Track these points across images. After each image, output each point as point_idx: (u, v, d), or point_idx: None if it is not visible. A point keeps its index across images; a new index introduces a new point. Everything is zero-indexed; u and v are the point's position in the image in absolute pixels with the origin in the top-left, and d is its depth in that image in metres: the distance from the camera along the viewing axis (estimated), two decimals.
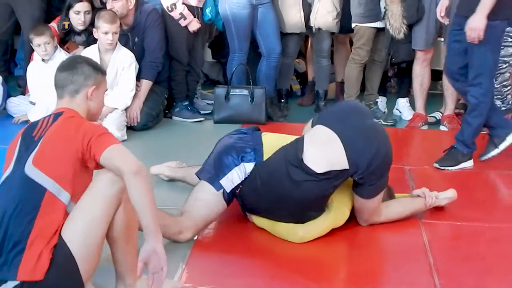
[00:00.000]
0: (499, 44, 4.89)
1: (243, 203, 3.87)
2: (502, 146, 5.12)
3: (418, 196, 4.10)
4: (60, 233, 2.81)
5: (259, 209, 3.83)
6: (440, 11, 5.07)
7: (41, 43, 5.78)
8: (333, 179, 3.66)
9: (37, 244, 2.77)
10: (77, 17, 5.97)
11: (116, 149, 2.85)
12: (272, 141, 3.89)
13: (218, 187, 3.73)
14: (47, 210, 2.81)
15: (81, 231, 2.82)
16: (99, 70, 3.14)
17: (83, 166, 2.89)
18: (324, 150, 3.65)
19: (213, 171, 3.77)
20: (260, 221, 3.87)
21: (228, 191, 3.74)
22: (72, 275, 2.81)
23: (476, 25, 4.61)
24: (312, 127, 3.92)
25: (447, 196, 4.23)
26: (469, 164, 5.07)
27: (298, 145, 3.72)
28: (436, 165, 5.06)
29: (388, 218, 3.97)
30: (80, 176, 2.88)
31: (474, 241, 3.90)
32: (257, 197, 3.77)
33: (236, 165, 3.76)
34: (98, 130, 2.91)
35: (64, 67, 3.11)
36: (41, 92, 5.69)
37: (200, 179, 3.82)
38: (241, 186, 3.77)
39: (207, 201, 3.72)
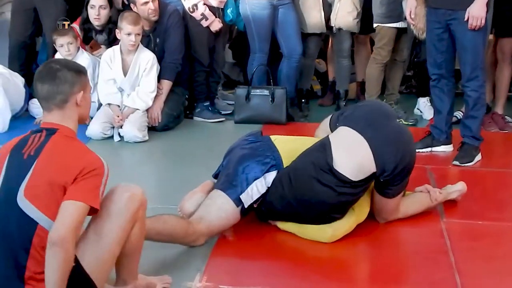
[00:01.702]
0: (487, 36, 5.13)
1: (267, 212, 3.85)
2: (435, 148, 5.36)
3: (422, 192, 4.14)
4: (76, 257, 2.73)
5: (287, 214, 3.80)
6: (410, 13, 5.15)
7: (64, 44, 5.85)
8: (364, 184, 3.70)
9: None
10: (93, 11, 6.03)
11: (71, 209, 2.64)
12: (286, 145, 3.89)
13: (238, 202, 3.70)
14: (41, 246, 2.68)
15: (98, 255, 2.79)
16: (81, 72, 2.90)
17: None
18: (352, 154, 3.67)
19: (233, 184, 3.73)
20: (285, 225, 3.86)
21: (246, 206, 3.72)
22: None
23: (478, 13, 4.77)
24: (332, 126, 3.93)
25: (457, 189, 4.27)
26: (479, 156, 5.16)
27: (326, 150, 3.70)
28: (456, 162, 5.09)
29: (404, 215, 4.00)
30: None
31: (496, 241, 3.88)
32: (283, 202, 3.75)
33: (257, 179, 3.73)
34: (90, 174, 2.72)
35: (45, 78, 2.83)
36: None
37: (221, 190, 3.77)
38: (261, 199, 3.76)
39: (226, 213, 3.70)
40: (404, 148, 3.75)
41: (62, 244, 2.60)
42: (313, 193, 3.67)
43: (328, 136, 3.83)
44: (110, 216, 2.81)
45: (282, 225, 3.87)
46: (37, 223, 2.69)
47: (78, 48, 5.96)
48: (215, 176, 3.98)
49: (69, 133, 2.85)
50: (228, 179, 3.76)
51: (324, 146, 3.74)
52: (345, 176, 3.63)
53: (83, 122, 3.01)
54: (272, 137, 3.96)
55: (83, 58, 5.94)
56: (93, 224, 2.82)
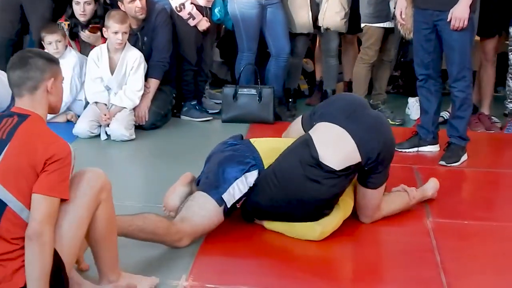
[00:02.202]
0: (474, 36, 5.17)
1: (253, 211, 3.86)
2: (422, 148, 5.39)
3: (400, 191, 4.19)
4: None
5: (274, 213, 3.81)
6: (400, 13, 5.17)
7: (52, 41, 5.85)
8: (350, 173, 3.73)
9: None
10: (77, 7, 6.04)
11: (44, 204, 2.72)
12: (265, 145, 3.90)
13: (220, 202, 3.69)
14: (8, 228, 2.74)
15: (66, 232, 2.81)
16: (52, 60, 2.96)
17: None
18: (338, 147, 3.71)
19: (215, 185, 3.72)
20: (273, 225, 3.86)
21: (229, 206, 3.72)
22: (59, 275, 2.81)
23: (461, 15, 4.81)
24: (306, 126, 3.96)
25: (430, 186, 4.33)
26: (466, 156, 5.18)
27: (309, 146, 3.72)
28: (443, 162, 5.11)
29: (386, 213, 4.03)
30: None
31: (482, 240, 3.90)
32: (272, 203, 3.76)
33: (237, 178, 3.73)
34: (59, 163, 2.76)
35: (16, 65, 2.89)
36: None
37: (202, 191, 3.76)
38: (245, 198, 3.76)
39: (209, 212, 3.68)
40: (385, 134, 3.84)
41: (38, 239, 2.68)
42: (303, 190, 3.68)
43: (308, 133, 3.84)
44: (74, 197, 2.84)
45: (269, 224, 3.87)
46: (6, 204, 2.74)
47: (66, 47, 5.95)
48: (197, 183, 3.96)
49: (40, 119, 2.89)
50: (209, 181, 3.76)
51: (306, 142, 3.75)
52: (332, 168, 3.66)
53: (54, 111, 3.03)
54: (251, 140, 3.97)
55: (71, 56, 5.94)
56: (62, 206, 2.83)
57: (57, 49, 5.85)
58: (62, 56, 5.86)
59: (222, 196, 3.69)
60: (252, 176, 3.75)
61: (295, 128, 4.12)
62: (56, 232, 2.78)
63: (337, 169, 3.66)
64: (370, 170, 3.79)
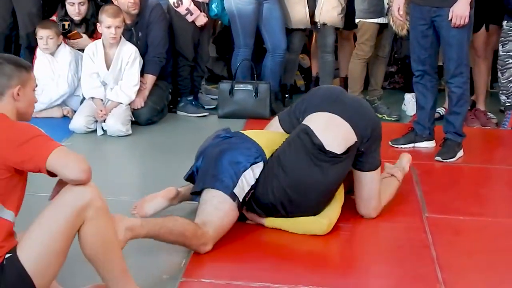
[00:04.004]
0: (471, 32, 5.19)
1: (258, 206, 3.80)
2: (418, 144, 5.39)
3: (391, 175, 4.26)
4: (15, 248, 2.71)
5: (279, 206, 3.76)
6: (398, 9, 5.17)
7: (43, 36, 5.86)
8: (350, 154, 3.80)
9: None
10: (72, 8, 6.03)
11: (54, 161, 2.69)
12: (262, 137, 3.87)
13: (234, 197, 3.62)
14: None
15: (37, 247, 2.72)
16: (22, 67, 2.90)
17: (15, 172, 2.75)
18: (334, 132, 3.78)
19: (222, 180, 3.63)
20: (274, 222, 3.82)
21: (241, 200, 3.65)
22: None
23: (462, 12, 4.83)
24: (286, 125, 4.00)
25: (405, 161, 4.43)
26: (462, 152, 5.18)
27: (309, 133, 3.75)
28: (439, 158, 5.11)
29: (385, 202, 4.07)
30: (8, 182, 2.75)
31: (478, 236, 3.91)
32: (279, 194, 3.72)
33: (246, 170, 3.66)
34: (26, 137, 2.73)
35: None
36: (45, 84, 5.80)
37: (211, 188, 3.66)
38: (253, 191, 3.71)
39: (226, 211, 3.60)
40: (371, 112, 4.03)
41: (87, 177, 2.71)
42: (309, 177, 3.70)
43: (303, 123, 3.85)
44: (54, 205, 2.77)
45: (270, 222, 3.83)
46: None
47: (59, 45, 5.94)
48: (187, 178, 3.93)
49: (2, 117, 2.83)
50: (214, 175, 3.66)
51: (305, 131, 3.78)
52: (335, 153, 3.71)
53: (24, 118, 2.96)
54: (243, 132, 3.95)
55: (65, 53, 5.94)
56: (37, 218, 2.77)
57: (47, 45, 5.87)
58: (56, 53, 5.90)
59: (234, 191, 3.62)
60: (258, 168, 3.71)
61: (274, 124, 4.11)
62: (27, 245, 2.71)
63: (339, 152, 3.72)
64: (366, 150, 3.86)
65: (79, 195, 2.74)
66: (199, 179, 3.77)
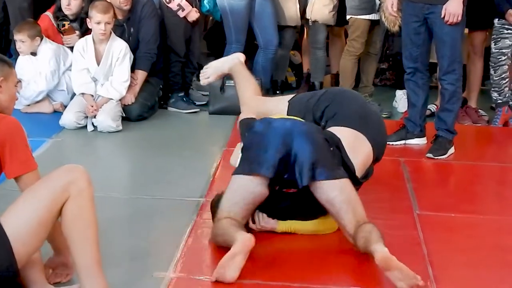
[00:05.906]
0: (464, 29, 5.21)
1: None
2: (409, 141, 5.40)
3: None
4: None
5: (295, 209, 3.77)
6: (392, 5, 5.17)
7: (17, 40, 5.89)
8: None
9: None
10: (64, 1, 6.02)
11: (29, 182, 2.86)
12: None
13: None
14: None
15: (20, 213, 2.78)
16: (4, 62, 3.01)
17: None
18: (360, 156, 3.73)
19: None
20: (285, 225, 3.77)
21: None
22: (3, 252, 2.74)
23: (455, 10, 4.83)
24: (303, 108, 3.95)
25: None
26: (453, 149, 5.18)
27: (340, 150, 3.65)
28: (430, 155, 5.10)
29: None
30: None
31: (469, 233, 3.91)
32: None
33: None
34: (12, 140, 2.85)
35: None
36: (26, 81, 5.80)
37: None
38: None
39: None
40: (384, 128, 4.05)
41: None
42: None
43: (332, 132, 3.74)
44: (42, 182, 2.86)
45: (282, 225, 3.76)
46: None
47: (41, 38, 5.90)
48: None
49: None
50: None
51: (337, 144, 3.66)
52: (357, 178, 3.70)
53: (6, 111, 3.00)
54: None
55: (46, 49, 5.93)
56: (26, 190, 2.85)
57: (20, 48, 5.90)
58: (38, 51, 5.91)
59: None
60: None
61: (277, 109, 4.08)
62: (11, 211, 2.78)
63: (359, 176, 3.72)
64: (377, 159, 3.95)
65: (67, 171, 2.84)
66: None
